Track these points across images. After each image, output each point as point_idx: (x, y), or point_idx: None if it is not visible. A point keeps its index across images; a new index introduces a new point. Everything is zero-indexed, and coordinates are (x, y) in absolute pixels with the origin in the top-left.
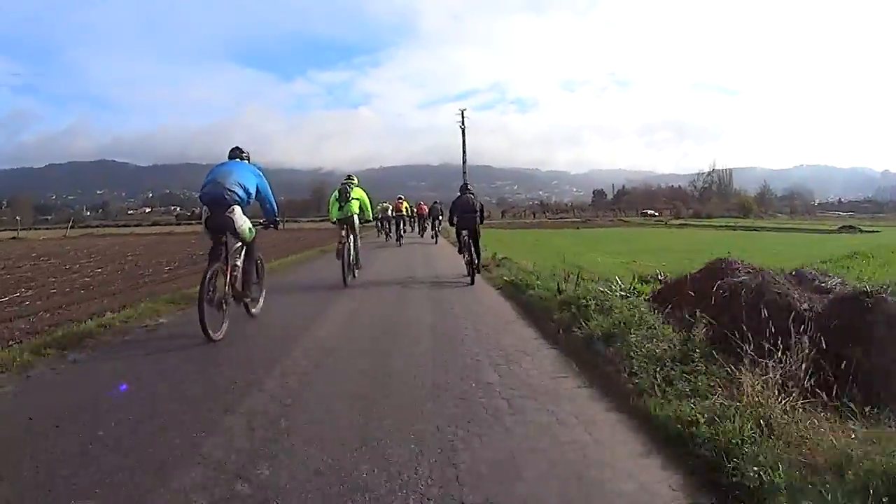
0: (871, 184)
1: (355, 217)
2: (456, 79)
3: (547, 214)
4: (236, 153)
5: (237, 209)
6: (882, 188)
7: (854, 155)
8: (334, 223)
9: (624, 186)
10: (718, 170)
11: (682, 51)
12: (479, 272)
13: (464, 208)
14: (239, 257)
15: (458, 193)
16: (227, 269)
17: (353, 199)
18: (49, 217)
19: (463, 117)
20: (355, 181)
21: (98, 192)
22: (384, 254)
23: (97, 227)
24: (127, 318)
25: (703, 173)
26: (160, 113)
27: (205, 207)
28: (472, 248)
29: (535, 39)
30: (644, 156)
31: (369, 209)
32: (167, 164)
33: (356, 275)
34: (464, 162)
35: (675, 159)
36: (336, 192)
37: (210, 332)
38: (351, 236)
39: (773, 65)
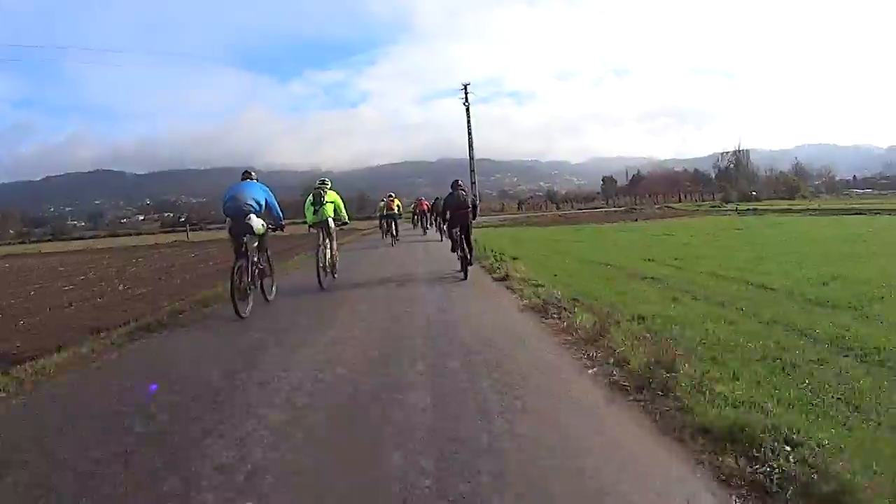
0: (877, 160)
1: (330, 220)
2: (452, 73)
3: (574, 205)
4: (247, 175)
5: (253, 216)
6: (889, 163)
7: (856, 132)
8: (311, 227)
9: (639, 171)
10: (738, 150)
11: (677, 36)
12: (471, 264)
13: (456, 205)
14: (256, 254)
15: (450, 190)
16: (248, 265)
17: (327, 202)
18: (42, 229)
19: (466, 93)
20: (328, 184)
21: (96, 202)
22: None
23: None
24: None
25: (726, 153)
26: (158, 120)
27: (227, 218)
28: (465, 244)
29: (528, 31)
30: (643, 142)
31: (344, 212)
32: (165, 171)
33: (335, 277)
34: (470, 146)
35: (674, 145)
36: (311, 197)
37: (241, 312)
38: (327, 240)
39: (769, 45)
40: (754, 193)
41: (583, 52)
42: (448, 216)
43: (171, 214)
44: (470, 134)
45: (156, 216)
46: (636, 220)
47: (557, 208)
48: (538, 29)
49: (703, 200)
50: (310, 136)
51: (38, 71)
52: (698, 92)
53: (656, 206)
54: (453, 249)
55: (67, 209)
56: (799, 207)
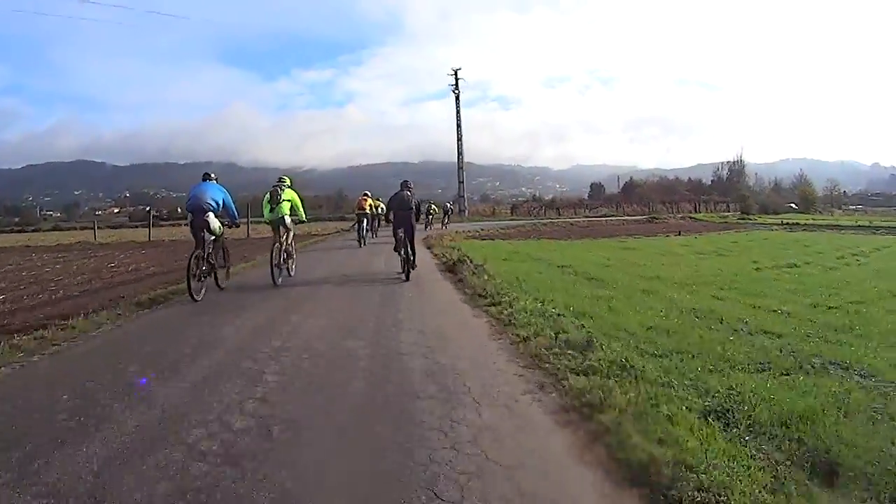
0: (861, 177)
1: (286, 218)
2: (438, 77)
3: (577, 211)
4: (207, 177)
5: (211, 214)
6: (873, 181)
7: (840, 148)
8: (267, 224)
9: (631, 179)
10: (738, 161)
11: (665, 48)
12: (413, 268)
13: (400, 205)
14: (211, 247)
15: (399, 189)
16: (204, 255)
17: (283, 200)
18: (17, 219)
19: (456, 79)
20: (287, 182)
21: (75, 192)
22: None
23: None
24: None
25: (727, 162)
26: (143, 112)
27: (189, 214)
28: (408, 246)
29: (517, 37)
30: (627, 151)
31: (301, 211)
32: (146, 164)
33: (291, 274)
34: (459, 139)
35: (658, 154)
36: (268, 195)
37: (194, 295)
38: (283, 237)
39: (755, 59)
40: (794, 206)
41: (570, 60)
42: (392, 216)
43: (143, 207)
44: (459, 126)
45: (131, 209)
46: (678, 233)
47: (558, 214)
48: (527, 35)
49: (716, 210)
50: (294, 134)
51: (25, 59)
52: (684, 103)
53: (679, 216)
54: (396, 249)
55: (47, 199)
56: (847, 223)
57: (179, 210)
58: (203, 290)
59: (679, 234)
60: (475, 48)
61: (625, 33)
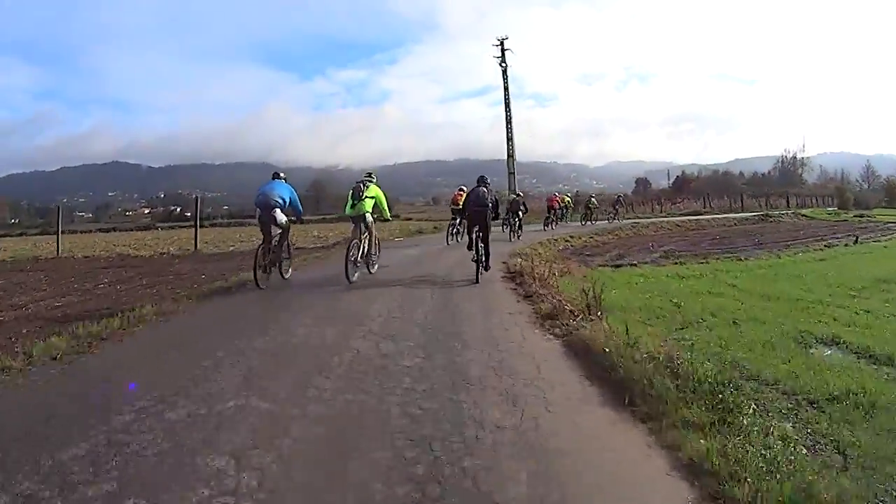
0: None
1: (367, 215)
2: (474, 74)
3: (655, 207)
4: (277, 176)
5: (278, 210)
6: None
7: (876, 142)
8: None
9: (683, 172)
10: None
11: (702, 41)
12: (487, 270)
13: (475, 202)
14: (277, 240)
15: (476, 185)
16: (269, 247)
17: (366, 197)
18: (41, 220)
19: (503, 50)
20: (374, 179)
21: (110, 193)
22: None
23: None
24: None
25: (790, 155)
26: (178, 114)
27: (257, 209)
28: (482, 246)
29: (552, 33)
30: (664, 147)
31: (385, 208)
32: (181, 165)
33: (372, 272)
34: (508, 122)
35: (695, 150)
36: (351, 190)
37: (260, 284)
38: (363, 234)
39: (789, 52)
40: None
41: (606, 56)
42: (467, 214)
43: (177, 208)
44: (507, 105)
45: (161, 209)
46: (856, 240)
47: (629, 210)
48: (562, 31)
49: (799, 206)
50: (329, 133)
51: (62, 63)
52: (720, 98)
53: (790, 212)
54: (469, 248)
55: (81, 200)
56: None
57: (210, 209)
58: (268, 280)
59: (857, 242)
60: (511, 45)
61: (661, 28)
